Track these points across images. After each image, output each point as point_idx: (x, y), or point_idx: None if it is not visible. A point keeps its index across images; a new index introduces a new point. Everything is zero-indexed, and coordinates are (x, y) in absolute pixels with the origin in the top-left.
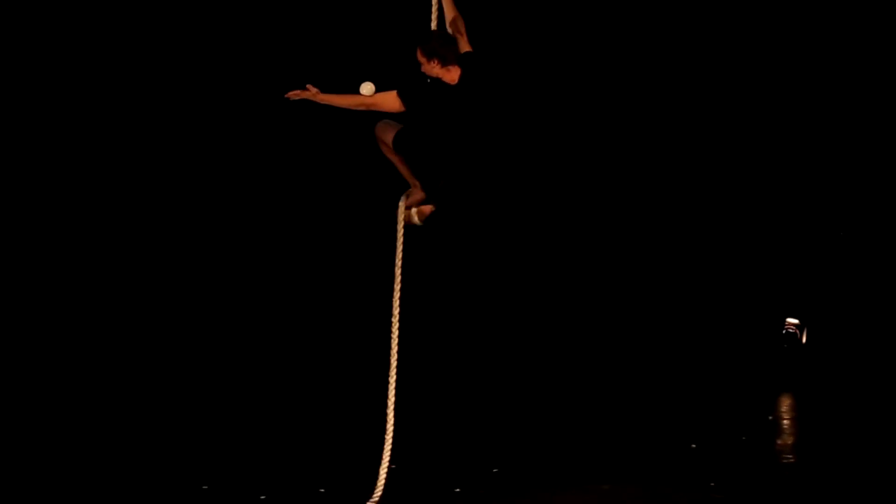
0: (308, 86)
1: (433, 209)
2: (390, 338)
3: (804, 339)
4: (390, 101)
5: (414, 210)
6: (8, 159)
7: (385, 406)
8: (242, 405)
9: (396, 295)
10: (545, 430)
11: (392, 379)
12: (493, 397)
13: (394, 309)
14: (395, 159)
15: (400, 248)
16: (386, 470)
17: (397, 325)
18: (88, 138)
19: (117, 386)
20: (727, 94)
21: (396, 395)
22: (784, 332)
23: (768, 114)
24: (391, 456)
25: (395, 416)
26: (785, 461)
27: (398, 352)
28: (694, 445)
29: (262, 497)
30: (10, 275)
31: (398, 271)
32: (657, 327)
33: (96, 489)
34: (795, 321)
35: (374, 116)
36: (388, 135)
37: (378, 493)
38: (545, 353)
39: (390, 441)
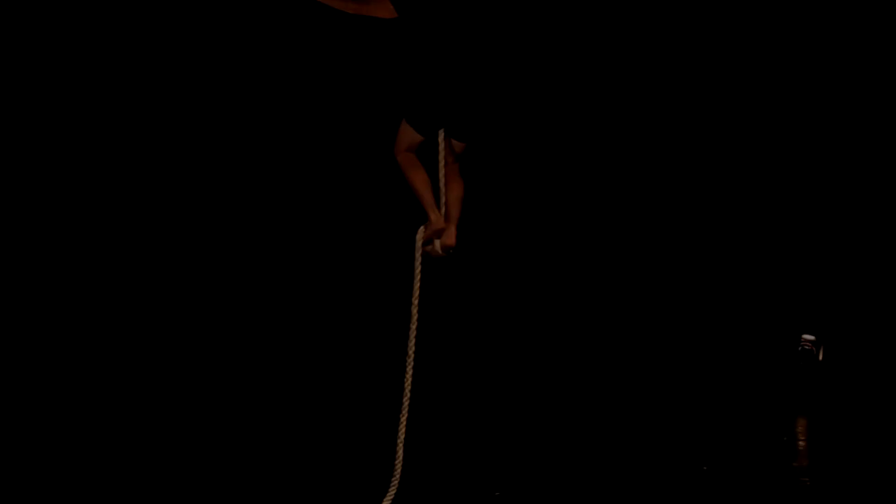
0: None
1: (454, 237)
2: (404, 372)
3: (821, 357)
4: (382, 5)
5: (436, 242)
6: (8, 159)
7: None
8: (251, 411)
9: (412, 334)
10: (553, 450)
11: (405, 408)
12: (502, 417)
13: (409, 348)
14: (407, 168)
15: (417, 285)
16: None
17: (412, 363)
18: (104, 139)
19: (128, 385)
20: (745, 100)
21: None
22: (800, 348)
23: (784, 123)
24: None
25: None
26: (802, 483)
27: (411, 388)
28: (706, 468)
29: None
30: (10, 275)
31: (415, 310)
32: (669, 344)
33: (103, 484)
34: (812, 337)
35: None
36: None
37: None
38: (557, 372)
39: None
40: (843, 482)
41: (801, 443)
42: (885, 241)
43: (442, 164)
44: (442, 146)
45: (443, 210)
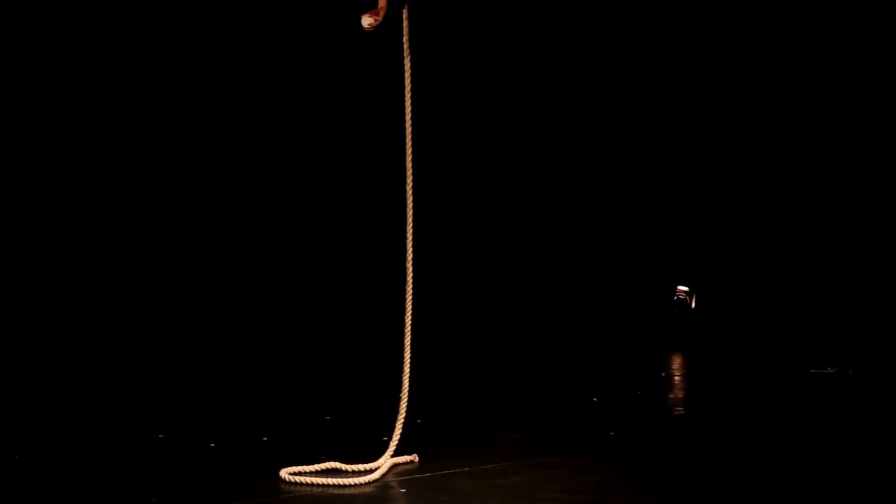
0: None
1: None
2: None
3: (693, 305)
4: None
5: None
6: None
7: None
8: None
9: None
10: (462, 388)
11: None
12: (420, 358)
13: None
14: None
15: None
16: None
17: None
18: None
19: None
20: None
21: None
22: (675, 298)
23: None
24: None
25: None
26: (676, 413)
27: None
28: (595, 399)
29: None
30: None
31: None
32: (564, 300)
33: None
34: (686, 288)
35: None
36: None
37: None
38: (462, 316)
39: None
40: (713, 411)
41: (676, 377)
42: (750, 205)
43: None
44: None
45: None
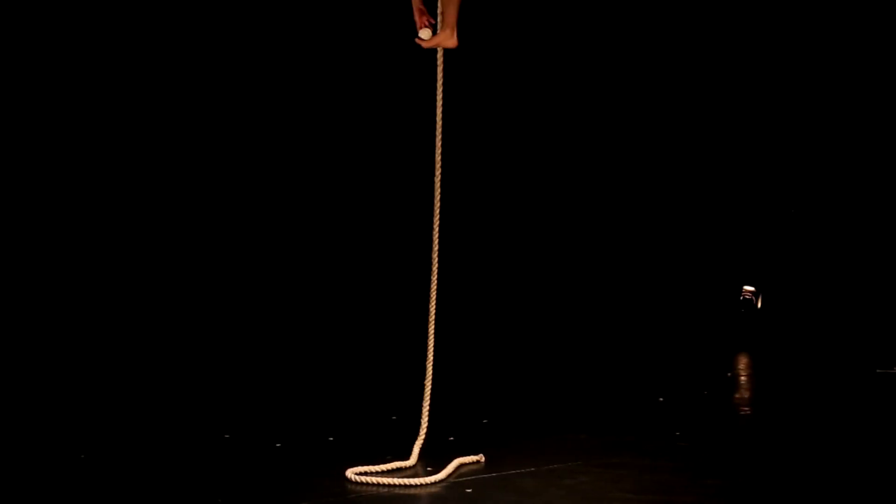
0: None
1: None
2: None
3: (759, 305)
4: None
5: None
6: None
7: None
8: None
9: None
10: (528, 388)
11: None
12: (483, 358)
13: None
14: None
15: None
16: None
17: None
18: (120, 138)
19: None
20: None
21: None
22: (741, 298)
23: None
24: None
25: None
26: (742, 413)
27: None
28: (661, 399)
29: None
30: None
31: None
32: (631, 300)
33: (122, 437)
34: (752, 288)
35: None
36: None
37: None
38: (531, 316)
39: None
40: (779, 412)
41: (742, 377)
42: (817, 206)
43: None
44: None
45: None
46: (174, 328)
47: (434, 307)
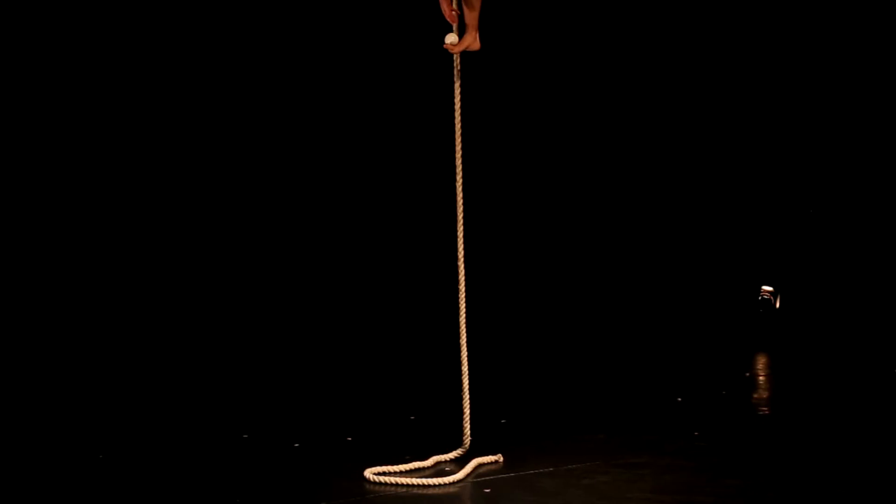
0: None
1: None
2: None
3: (778, 305)
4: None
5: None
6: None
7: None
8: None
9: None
10: (547, 388)
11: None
12: (500, 357)
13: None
14: None
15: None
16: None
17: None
18: (127, 138)
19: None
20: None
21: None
22: (760, 298)
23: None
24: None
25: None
26: (761, 413)
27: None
28: (680, 399)
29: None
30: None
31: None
32: (649, 300)
33: (140, 433)
34: (770, 288)
35: None
36: None
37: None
38: (545, 315)
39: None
40: (798, 412)
41: (760, 377)
42: (836, 207)
43: None
44: None
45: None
46: (193, 328)
47: (465, 318)
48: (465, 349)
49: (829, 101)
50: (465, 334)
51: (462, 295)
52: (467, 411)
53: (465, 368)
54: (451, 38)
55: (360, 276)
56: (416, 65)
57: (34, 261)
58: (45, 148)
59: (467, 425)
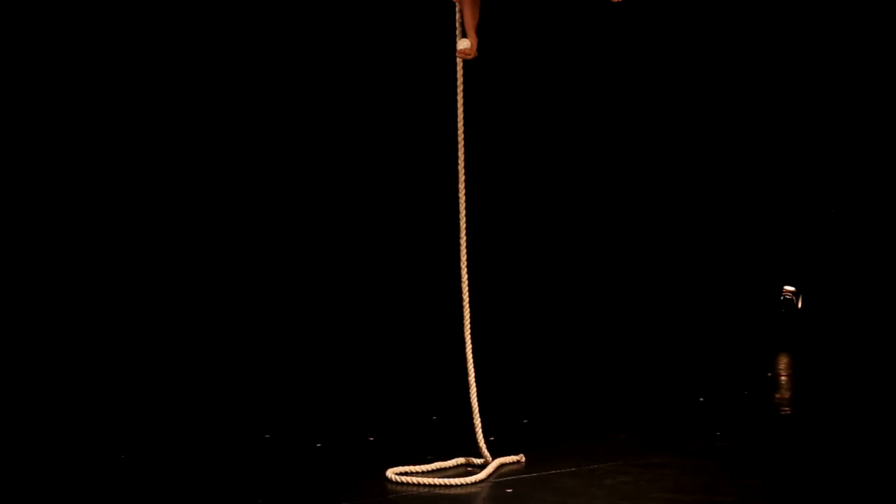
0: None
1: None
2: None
3: (800, 305)
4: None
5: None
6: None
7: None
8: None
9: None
10: (569, 389)
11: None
12: (523, 358)
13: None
14: None
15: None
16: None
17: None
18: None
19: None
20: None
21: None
22: (782, 298)
23: (748, 90)
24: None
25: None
26: (783, 413)
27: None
28: (702, 399)
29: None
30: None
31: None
32: (672, 300)
33: (161, 433)
34: (792, 288)
35: None
36: None
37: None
38: (571, 317)
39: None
40: (820, 412)
41: (782, 377)
42: (857, 208)
43: None
44: None
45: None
46: (216, 330)
47: (469, 317)
48: (472, 366)
49: (852, 102)
50: (470, 353)
51: (465, 303)
52: (480, 433)
53: (472, 391)
54: (463, 44)
55: (381, 278)
56: (419, 69)
57: (55, 262)
58: (45, 148)
59: (482, 442)
